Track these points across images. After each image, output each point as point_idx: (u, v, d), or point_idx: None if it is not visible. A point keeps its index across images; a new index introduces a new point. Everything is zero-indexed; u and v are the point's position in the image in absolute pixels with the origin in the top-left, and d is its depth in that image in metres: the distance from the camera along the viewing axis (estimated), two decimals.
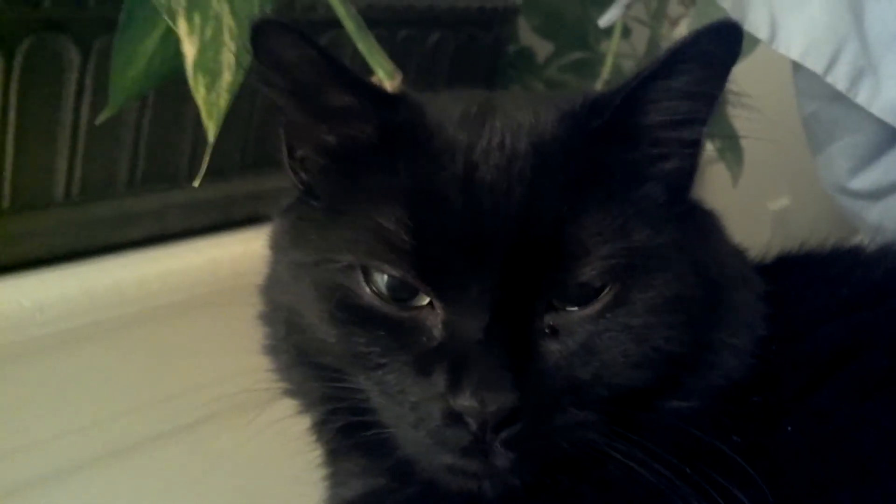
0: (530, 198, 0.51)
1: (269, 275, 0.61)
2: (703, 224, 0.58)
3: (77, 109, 0.77)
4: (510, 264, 0.50)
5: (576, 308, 0.51)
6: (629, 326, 0.51)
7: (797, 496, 0.51)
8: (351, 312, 0.53)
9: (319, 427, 0.62)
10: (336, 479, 0.62)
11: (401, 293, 0.52)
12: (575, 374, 0.51)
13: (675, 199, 0.55)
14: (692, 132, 0.54)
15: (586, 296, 0.51)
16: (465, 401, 0.48)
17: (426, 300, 0.52)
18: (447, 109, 0.56)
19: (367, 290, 0.53)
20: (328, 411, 0.59)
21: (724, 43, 0.51)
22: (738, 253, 0.62)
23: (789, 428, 0.53)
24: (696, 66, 0.51)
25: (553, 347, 0.51)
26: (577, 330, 0.51)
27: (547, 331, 0.51)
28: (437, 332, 0.51)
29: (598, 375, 0.51)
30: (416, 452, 0.53)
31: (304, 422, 0.66)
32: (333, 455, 0.62)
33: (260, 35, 0.52)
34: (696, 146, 0.56)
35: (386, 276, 0.52)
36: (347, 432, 0.58)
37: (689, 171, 0.56)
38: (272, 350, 0.61)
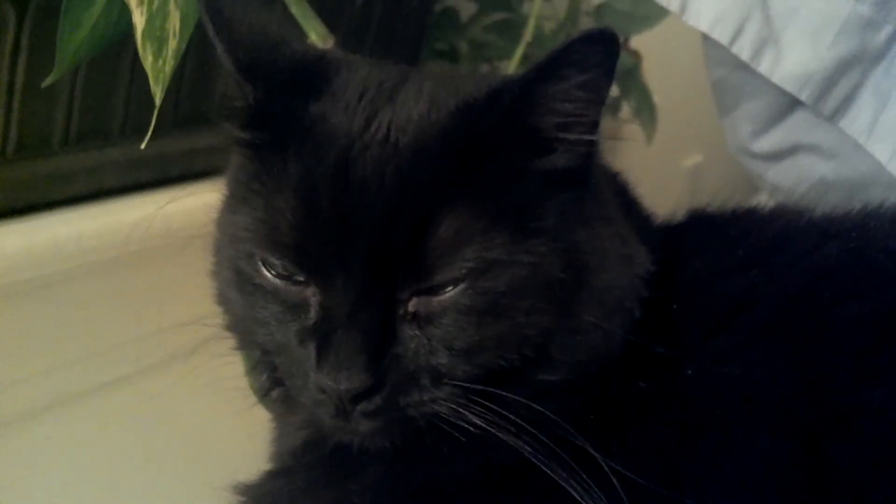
0: (399, 197, 0.53)
1: (215, 236, 0.65)
2: (586, 211, 0.59)
3: (13, 68, 0.77)
4: (373, 258, 0.53)
5: (435, 297, 0.54)
6: (484, 314, 0.54)
7: (698, 431, 0.56)
8: (252, 286, 0.58)
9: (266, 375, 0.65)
10: (282, 429, 0.68)
11: (289, 273, 0.56)
12: (433, 356, 0.55)
13: (557, 191, 0.57)
14: (578, 132, 0.56)
15: (445, 287, 0.54)
16: (322, 378, 0.53)
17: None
18: (347, 91, 0.57)
19: (263, 270, 0.57)
20: (264, 363, 0.63)
21: (600, 49, 0.53)
22: (623, 234, 0.62)
23: (689, 371, 0.58)
24: (576, 71, 0.53)
25: (412, 332, 0.55)
26: (435, 317, 0.54)
27: (408, 317, 0.55)
28: (314, 311, 0.56)
29: (456, 357, 0.55)
30: (306, 407, 0.58)
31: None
32: (279, 403, 0.66)
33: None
34: (583, 145, 0.56)
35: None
36: (279, 383, 0.63)
37: (578, 166, 0.57)
38: (221, 302, 0.65)
